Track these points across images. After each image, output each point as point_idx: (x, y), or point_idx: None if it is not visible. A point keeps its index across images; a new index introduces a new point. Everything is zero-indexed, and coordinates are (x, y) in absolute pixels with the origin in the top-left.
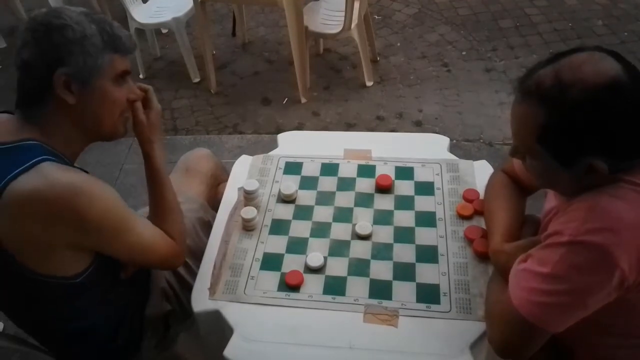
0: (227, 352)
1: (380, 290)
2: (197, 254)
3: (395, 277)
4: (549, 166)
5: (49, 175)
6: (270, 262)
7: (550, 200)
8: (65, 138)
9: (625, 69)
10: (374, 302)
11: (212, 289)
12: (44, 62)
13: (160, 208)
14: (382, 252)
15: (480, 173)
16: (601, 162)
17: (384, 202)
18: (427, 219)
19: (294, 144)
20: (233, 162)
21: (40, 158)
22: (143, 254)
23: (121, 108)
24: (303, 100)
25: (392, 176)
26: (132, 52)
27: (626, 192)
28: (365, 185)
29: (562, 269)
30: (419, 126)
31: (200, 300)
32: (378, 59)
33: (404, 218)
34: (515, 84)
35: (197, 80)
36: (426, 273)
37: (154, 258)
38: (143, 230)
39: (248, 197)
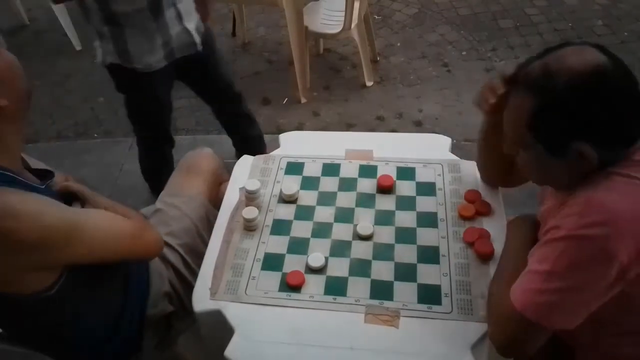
0: (228, 352)
1: (382, 290)
2: (199, 254)
3: (397, 278)
4: (541, 157)
5: None
6: (272, 262)
7: (548, 199)
8: (5, 147)
9: (610, 60)
10: (375, 302)
11: (213, 289)
12: None
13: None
14: (383, 252)
15: None
16: (589, 148)
17: (386, 203)
18: (428, 220)
19: (296, 144)
20: (234, 163)
21: None
22: (112, 242)
23: None
24: (303, 100)
25: (394, 176)
26: None
27: (620, 185)
28: (366, 185)
29: (562, 266)
30: (419, 126)
31: (202, 301)
32: (378, 59)
33: (406, 219)
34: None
35: None
36: (427, 274)
37: (125, 242)
38: (98, 220)
39: (249, 197)
